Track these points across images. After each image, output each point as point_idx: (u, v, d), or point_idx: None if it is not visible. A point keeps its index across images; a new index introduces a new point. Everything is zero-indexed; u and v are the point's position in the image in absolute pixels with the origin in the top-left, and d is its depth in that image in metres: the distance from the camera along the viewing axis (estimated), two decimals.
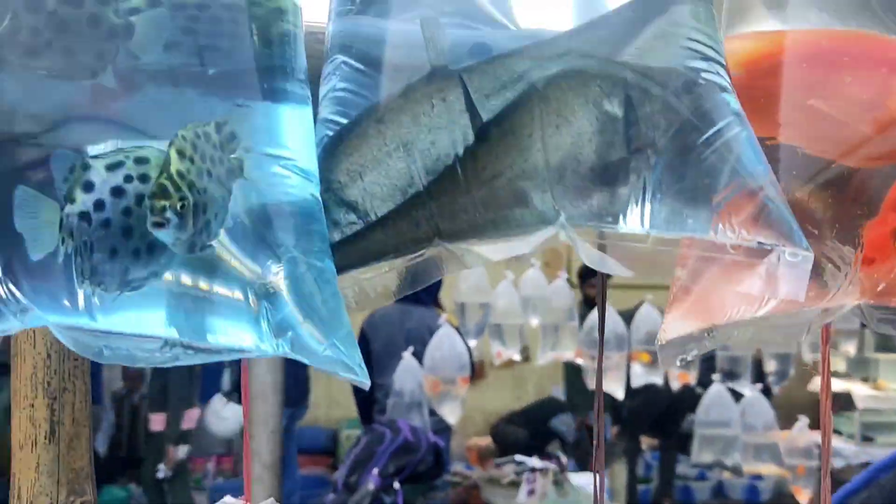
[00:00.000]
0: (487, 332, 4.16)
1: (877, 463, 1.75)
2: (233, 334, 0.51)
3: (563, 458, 4.16)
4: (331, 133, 0.61)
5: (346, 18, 0.64)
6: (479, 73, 0.59)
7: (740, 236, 0.54)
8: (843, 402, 4.38)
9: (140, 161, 0.50)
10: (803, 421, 4.00)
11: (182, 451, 4.11)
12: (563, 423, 4.97)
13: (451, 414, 3.89)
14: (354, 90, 0.61)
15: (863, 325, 4.80)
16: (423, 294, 4.00)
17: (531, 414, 5.14)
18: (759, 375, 4.18)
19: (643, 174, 0.57)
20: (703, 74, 0.59)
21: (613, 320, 3.97)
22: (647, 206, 0.57)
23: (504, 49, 0.61)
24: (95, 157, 0.51)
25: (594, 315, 4.02)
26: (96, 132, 0.54)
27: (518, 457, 4.14)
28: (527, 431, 4.91)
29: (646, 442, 5.03)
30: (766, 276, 0.54)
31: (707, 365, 4.27)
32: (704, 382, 4.19)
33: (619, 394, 4.04)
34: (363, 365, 0.54)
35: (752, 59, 0.68)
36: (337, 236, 0.59)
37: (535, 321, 4.17)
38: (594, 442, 0.75)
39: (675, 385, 4.11)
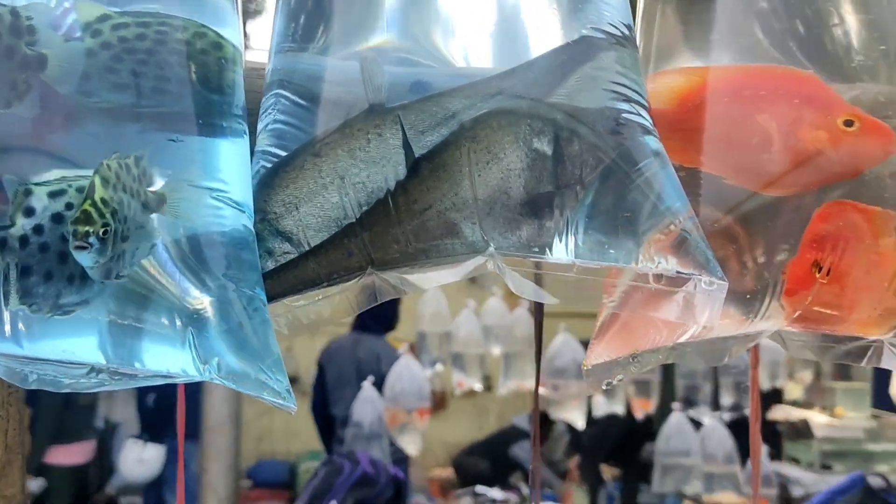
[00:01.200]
0: (449, 362, 4.16)
1: (834, 486, 1.79)
2: (161, 360, 0.52)
3: (524, 489, 4.15)
4: (268, 165, 0.62)
5: (286, 55, 0.66)
6: (414, 111, 0.61)
7: (660, 266, 0.57)
8: (802, 431, 4.45)
9: (81, 190, 0.51)
10: (762, 450, 4.05)
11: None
12: (525, 451, 4.97)
13: (411, 445, 3.87)
14: (292, 123, 0.63)
15: None
16: (376, 324, 4.00)
17: (493, 444, 5.13)
18: (717, 404, 4.24)
19: (569, 208, 0.59)
20: (626, 115, 0.61)
21: (574, 349, 4.00)
22: (573, 237, 0.59)
23: (442, 87, 0.63)
24: (38, 183, 0.52)
25: (555, 344, 4.05)
26: (36, 162, 0.55)
27: (478, 488, 4.13)
28: (488, 462, 4.89)
29: (608, 472, 5.05)
30: (684, 304, 0.57)
31: (667, 394, 4.32)
32: (665, 411, 4.22)
33: (580, 423, 4.06)
34: (290, 390, 0.55)
35: (678, 94, 0.71)
36: (271, 265, 0.60)
37: (496, 350, 4.18)
38: (530, 479, 0.76)
39: (638, 414, 4.13)
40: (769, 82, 0.69)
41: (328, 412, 4.18)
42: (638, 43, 0.72)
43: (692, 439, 3.96)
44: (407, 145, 0.59)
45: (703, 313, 0.56)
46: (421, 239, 0.59)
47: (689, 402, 4.18)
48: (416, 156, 0.59)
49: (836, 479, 4.18)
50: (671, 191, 0.59)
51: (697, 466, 3.91)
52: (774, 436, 4.40)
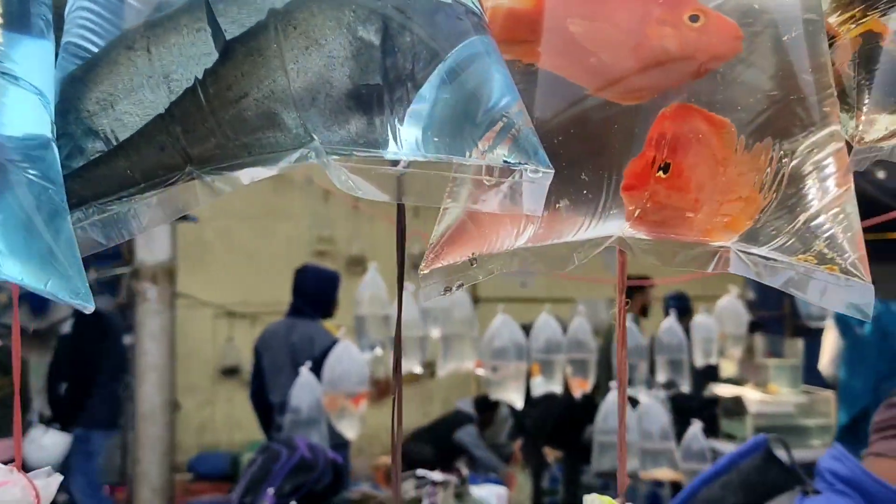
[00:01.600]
0: (388, 346, 4.13)
1: (738, 448, 1.81)
2: None
3: (465, 471, 4.13)
4: (78, 61, 0.58)
5: None
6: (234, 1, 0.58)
7: (489, 157, 0.54)
8: (736, 407, 4.52)
9: None
10: (697, 425, 4.11)
11: None
12: (468, 434, 4.97)
13: (350, 430, 3.83)
14: (103, 15, 0.59)
15: (751, 330, 4.93)
16: (312, 309, 3.95)
17: (437, 429, 5.11)
18: (653, 382, 4.28)
19: (400, 103, 0.56)
20: (461, 11, 0.59)
21: (512, 329, 4.00)
22: (404, 133, 0.56)
23: None
24: None
25: (493, 325, 4.04)
26: None
27: (419, 471, 4.11)
28: (433, 447, 4.88)
29: (550, 454, 5.07)
30: (510, 193, 0.54)
31: (604, 372, 4.35)
32: (603, 390, 4.25)
33: (518, 403, 4.07)
34: (89, 291, 0.51)
35: None
36: (81, 163, 0.56)
37: (435, 333, 4.16)
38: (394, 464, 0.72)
39: (576, 394, 4.16)
40: None
41: (266, 399, 4.12)
42: None
43: (629, 417, 3.99)
44: (216, 29, 0.55)
45: (527, 202, 0.54)
46: (239, 131, 0.56)
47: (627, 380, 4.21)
48: (227, 39, 0.55)
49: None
50: (501, 83, 0.57)
51: (634, 444, 3.94)
52: (710, 412, 4.46)
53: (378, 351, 4.20)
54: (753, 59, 0.66)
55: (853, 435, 3.95)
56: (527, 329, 4.12)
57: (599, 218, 0.62)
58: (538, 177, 0.54)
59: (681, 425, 4.11)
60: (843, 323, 4.03)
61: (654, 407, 4.06)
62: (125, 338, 4.43)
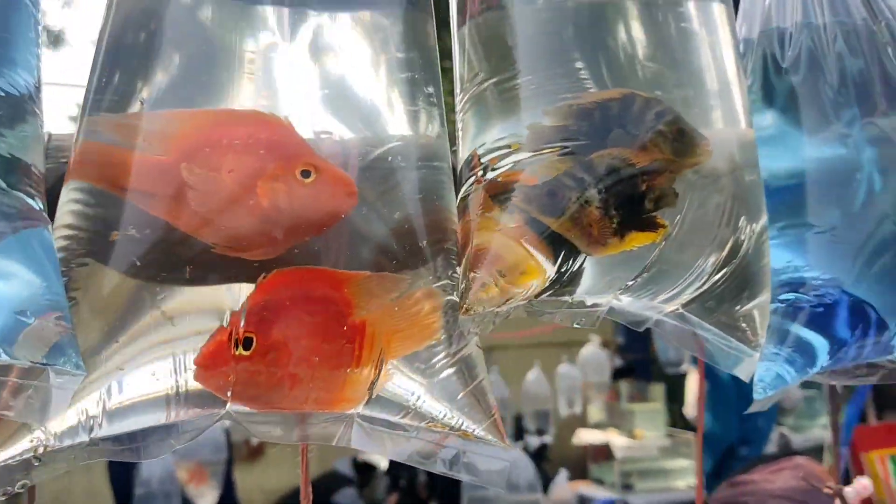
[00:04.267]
0: None
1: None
2: None
3: None
4: None
5: None
6: None
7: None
8: (603, 453, 4.57)
9: None
10: (563, 474, 4.12)
11: None
12: (348, 497, 4.82)
13: (203, 500, 3.66)
14: None
15: (615, 377, 5.05)
16: None
17: (314, 492, 4.94)
18: (520, 433, 4.28)
19: None
20: None
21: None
22: None
23: None
24: None
25: None
26: None
27: None
28: None
29: None
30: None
31: None
32: None
33: (383, 462, 3.99)
34: None
35: (175, 140, 0.64)
36: None
37: None
38: None
39: None
40: (241, 130, 0.63)
41: (122, 469, 3.89)
42: None
43: None
44: None
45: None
46: None
47: None
48: None
49: (637, 497, 4.34)
50: None
51: (502, 497, 3.93)
52: (578, 459, 4.50)
53: None
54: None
55: (717, 478, 4.05)
56: None
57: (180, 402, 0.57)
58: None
59: (549, 474, 4.12)
60: (706, 366, 4.14)
61: (521, 459, 4.06)
62: None
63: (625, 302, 0.70)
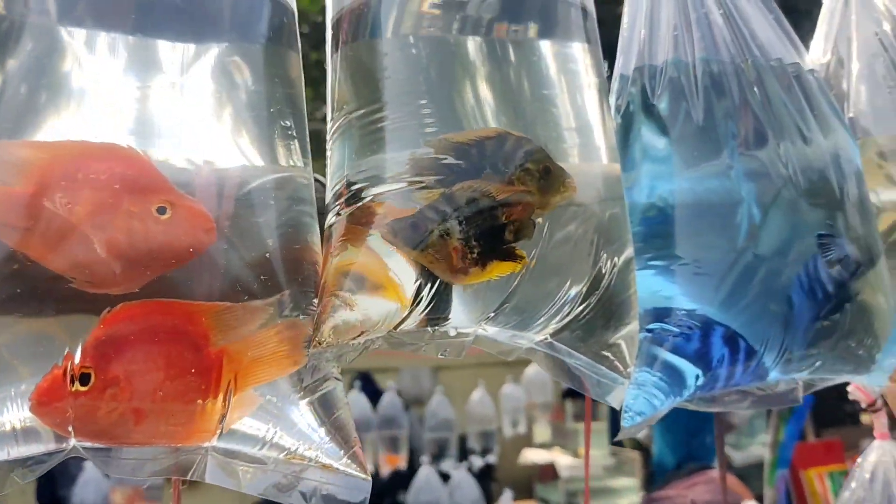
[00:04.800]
0: None
1: None
2: None
3: None
4: None
5: None
6: None
7: None
8: (549, 473, 4.59)
9: None
10: (507, 494, 4.13)
11: None
12: None
13: None
14: None
15: (564, 397, 5.07)
16: None
17: None
18: (465, 453, 4.28)
19: None
20: None
21: None
22: None
23: None
24: None
25: None
26: None
27: None
28: None
29: None
30: None
31: (416, 448, 4.31)
32: (414, 466, 4.21)
33: None
34: None
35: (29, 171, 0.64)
36: None
37: None
38: None
39: (384, 471, 4.09)
40: (98, 164, 0.62)
41: (55, 495, 3.78)
42: None
43: (440, 492, 3.97)
44: None
45: None
46: None
47: (440, 454, 4.20)
48: None
49: None
50: None
51: None
52: (524, 479, 4.51)
53: None
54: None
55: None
56: None
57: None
58: None
59: (494, 495, 4.12)
60: None
61: (464, 480, 4.06)
62: None
63: (491, 332, 0.72)
